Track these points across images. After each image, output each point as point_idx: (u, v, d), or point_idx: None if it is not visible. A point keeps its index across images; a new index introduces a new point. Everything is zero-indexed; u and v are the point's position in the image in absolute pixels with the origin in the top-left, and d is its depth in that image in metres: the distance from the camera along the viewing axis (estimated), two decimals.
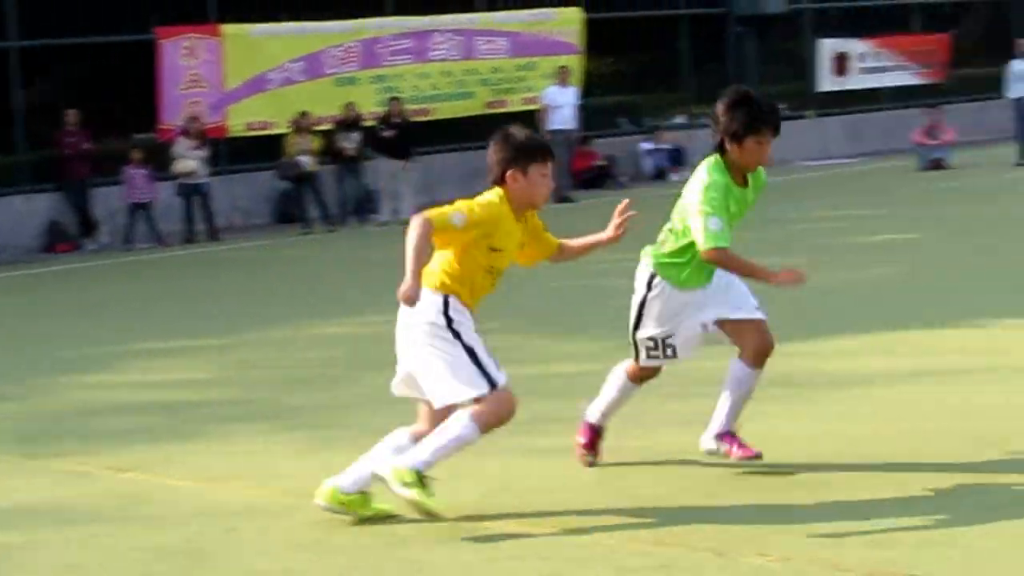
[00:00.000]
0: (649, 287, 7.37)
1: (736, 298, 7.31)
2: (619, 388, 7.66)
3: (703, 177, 7.16)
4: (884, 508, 6.54)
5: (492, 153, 6.84)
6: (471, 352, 6.54)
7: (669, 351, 7.38)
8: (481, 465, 7.53)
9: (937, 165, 28.20)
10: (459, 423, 6.52)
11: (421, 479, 6.54)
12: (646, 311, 7.35)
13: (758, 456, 7.23)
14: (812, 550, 5.96)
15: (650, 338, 7.38)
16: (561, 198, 25.50)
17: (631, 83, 33.84)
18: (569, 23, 29.48)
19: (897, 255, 16.40)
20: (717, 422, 7.36)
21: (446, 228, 6.55)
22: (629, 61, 34.29)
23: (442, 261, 6.69)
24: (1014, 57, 28.80)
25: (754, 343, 7.26)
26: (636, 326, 7.41)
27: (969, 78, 36.77)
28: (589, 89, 28.65)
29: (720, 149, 7.28)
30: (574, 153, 27.40)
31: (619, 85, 33.44)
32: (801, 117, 34.40)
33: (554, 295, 14.52)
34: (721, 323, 7.31)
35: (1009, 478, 6.99)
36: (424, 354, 6.58)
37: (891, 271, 15.13)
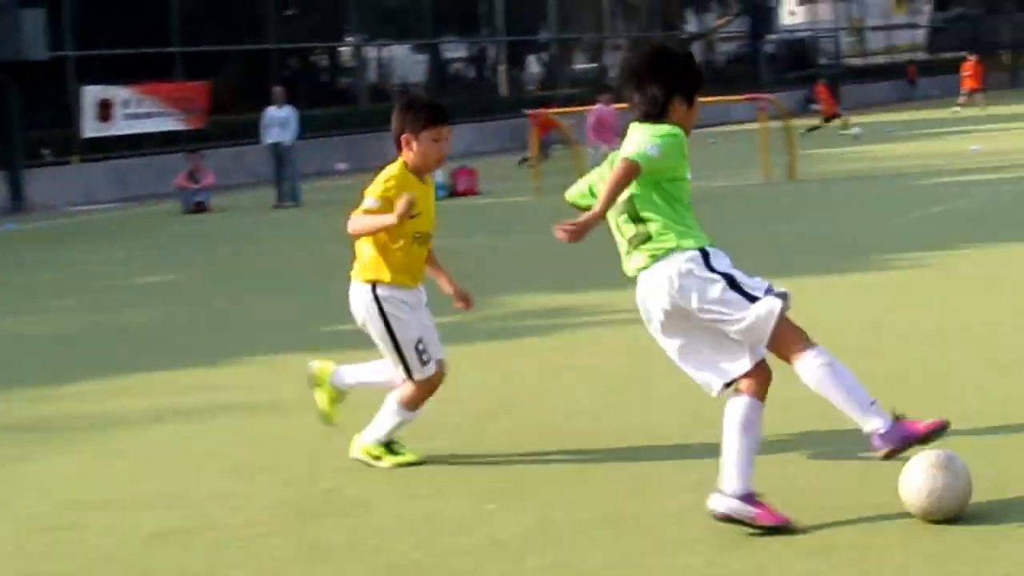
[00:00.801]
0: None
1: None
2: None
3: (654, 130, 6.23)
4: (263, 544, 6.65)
5: (392, 121, 7.51)
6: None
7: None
8: None
9: (200, 208, 28.70)
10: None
11: (389, 447, 7.67)
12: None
13: (788, 521, 6.18)
14: None
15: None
16: None
17: None
18: None
19: (159, 296, 16.66)
20: (733, 478, 6.19)
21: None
22: None
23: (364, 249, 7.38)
24: (270, 104, 29.59)
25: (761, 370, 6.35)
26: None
27: (229, 124, 37.54)
28: None
29: (659, 117, 6.29)
30: None
31: None
32: (66, 163, 34.05)
33: None
34: None
35: (341, 508, 7.13)
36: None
37: (154, 312, 15.24)
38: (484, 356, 11.09)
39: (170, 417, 9.58)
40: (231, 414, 9.66)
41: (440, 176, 28.51)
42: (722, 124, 44.84)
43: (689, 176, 6.26)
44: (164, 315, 15.00)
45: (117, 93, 35.08)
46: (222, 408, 9.85)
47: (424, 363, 7.50)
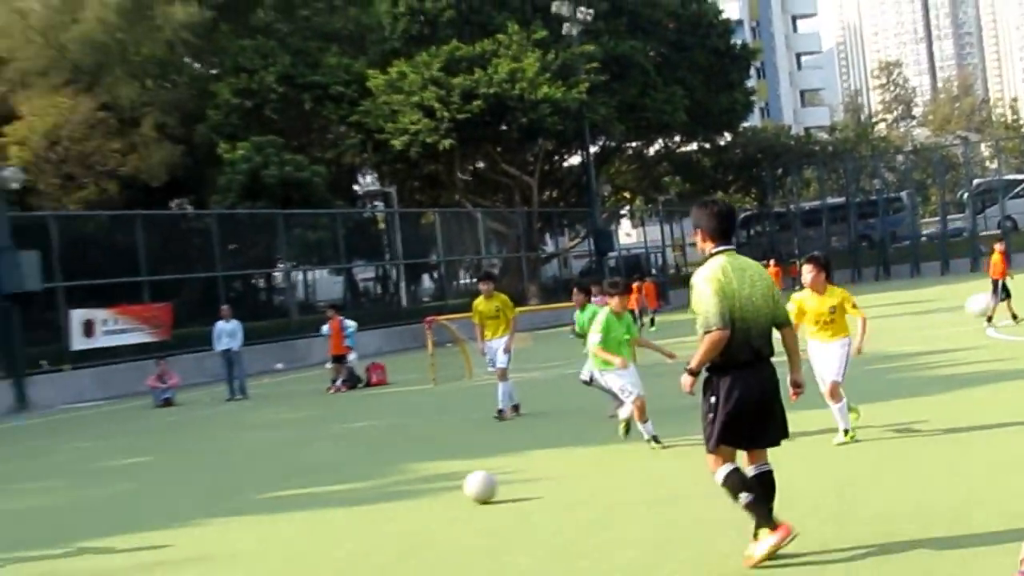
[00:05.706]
0: None
1: None
2: None
3: None
4: None
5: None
6: None
7: None
8: None
9: (167, 403, 31.59)
10: None
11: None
12: None
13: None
14: None
15: None
16: None
17: None
18: None
19: (136, 474, 17.84)
20: None
21: None
22: None
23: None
24: (219, 320, 32.01)
25: None
26: None
27: (188, 335, 40.61)
28: None
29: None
30: None
31: None
32: (60, 371, 37.11)
33: None
34: None
35: None
36: None
37: (132, 486, 16.26)
38: (396, 512, 12.16)
39: (147, 569, 10.52)
40: (196, 564, 10.51)
41: (358, 370, 32.08)
42: None
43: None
44: (137, 487, 16.26)
45: (98, 314, 38.18)
46: (186, 560, 10.72)
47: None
